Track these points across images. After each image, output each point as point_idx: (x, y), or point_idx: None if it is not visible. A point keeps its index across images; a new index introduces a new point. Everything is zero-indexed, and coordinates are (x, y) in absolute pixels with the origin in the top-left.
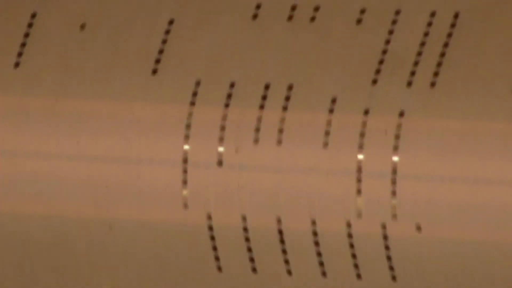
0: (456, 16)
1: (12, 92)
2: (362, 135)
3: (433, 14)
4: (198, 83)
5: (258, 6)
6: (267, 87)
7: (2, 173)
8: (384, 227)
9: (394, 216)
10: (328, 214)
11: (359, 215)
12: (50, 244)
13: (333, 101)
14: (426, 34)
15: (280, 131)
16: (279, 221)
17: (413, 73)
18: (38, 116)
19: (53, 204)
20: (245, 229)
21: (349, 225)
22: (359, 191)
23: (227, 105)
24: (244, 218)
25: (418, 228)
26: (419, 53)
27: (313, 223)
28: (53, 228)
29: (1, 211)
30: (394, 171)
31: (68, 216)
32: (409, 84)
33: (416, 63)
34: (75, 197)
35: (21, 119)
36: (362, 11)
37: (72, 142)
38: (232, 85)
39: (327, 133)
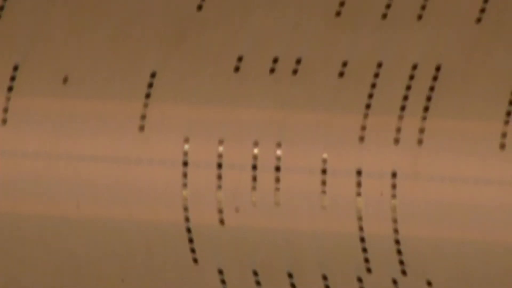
0: (438, 68)
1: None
2: (358, 194)
3: (415, 67)
4: (186, 140)
5: (240, 59)
6: (256, 144)
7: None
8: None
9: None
10: (339, 271)
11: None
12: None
13: (324, 161)
14: (408, 88)
15: (276, 190)
16: (290, 275)
17: (398, 130)
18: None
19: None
20: (258, 283)
21: (360, 279)
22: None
23: (219, 165)
24: (255, 273)
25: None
26: (403, 108)
27: (324, 278)
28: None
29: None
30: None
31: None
32: (397, 141)
33: (400, 117)
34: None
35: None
36: (344, 64)
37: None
38: (221, 143)
39: (323, 192)
